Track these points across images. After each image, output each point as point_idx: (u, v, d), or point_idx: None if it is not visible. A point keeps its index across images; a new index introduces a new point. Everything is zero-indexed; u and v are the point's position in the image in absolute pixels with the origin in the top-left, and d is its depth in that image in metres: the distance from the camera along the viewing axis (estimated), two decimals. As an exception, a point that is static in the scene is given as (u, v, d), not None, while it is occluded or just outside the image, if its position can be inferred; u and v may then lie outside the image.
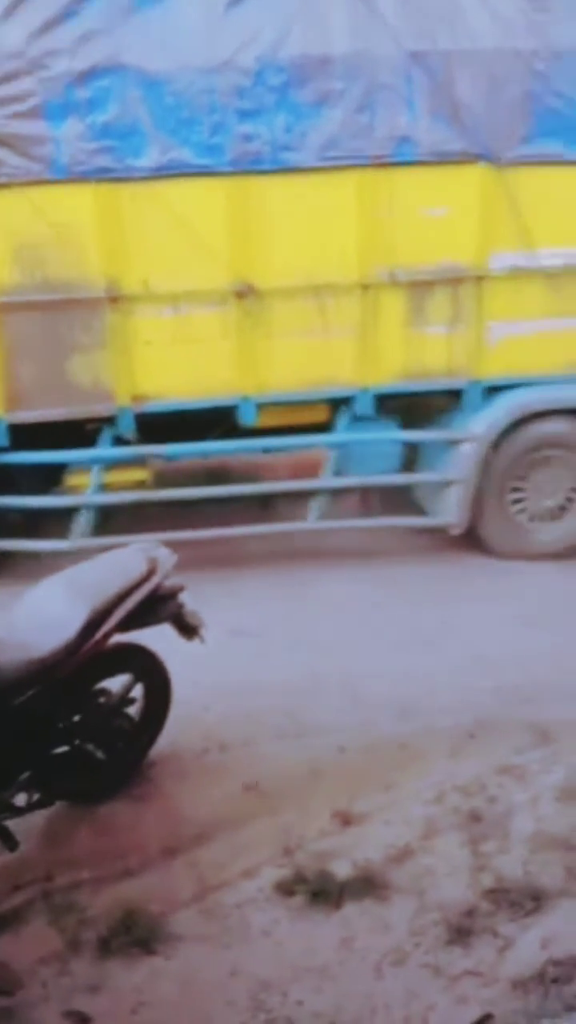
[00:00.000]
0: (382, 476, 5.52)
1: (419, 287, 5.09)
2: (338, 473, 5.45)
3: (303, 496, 5.49)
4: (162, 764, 3.71)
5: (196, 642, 3.55)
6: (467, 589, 5.31)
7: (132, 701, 3.59)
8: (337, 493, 5.58)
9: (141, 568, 3.36)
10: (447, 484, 5.45)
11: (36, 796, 3.28)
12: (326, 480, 5.43)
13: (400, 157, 4.84)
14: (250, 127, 4.72)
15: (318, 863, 3.13)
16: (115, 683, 3.53)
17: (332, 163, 4.81)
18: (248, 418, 5.22)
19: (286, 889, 3.05)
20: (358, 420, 5.35)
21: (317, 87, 4.71)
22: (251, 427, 5.25)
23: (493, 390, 5.35)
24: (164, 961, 2.83)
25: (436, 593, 5.24)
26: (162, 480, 5.44)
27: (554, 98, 4.87)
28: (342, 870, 3.10)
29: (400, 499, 5.83)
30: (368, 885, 3.03)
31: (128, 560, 3.43)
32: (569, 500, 5.61)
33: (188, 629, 3.53)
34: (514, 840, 3.21)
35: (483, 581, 5.41)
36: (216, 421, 5.31)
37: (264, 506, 5.65)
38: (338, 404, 5.36)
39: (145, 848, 3.29)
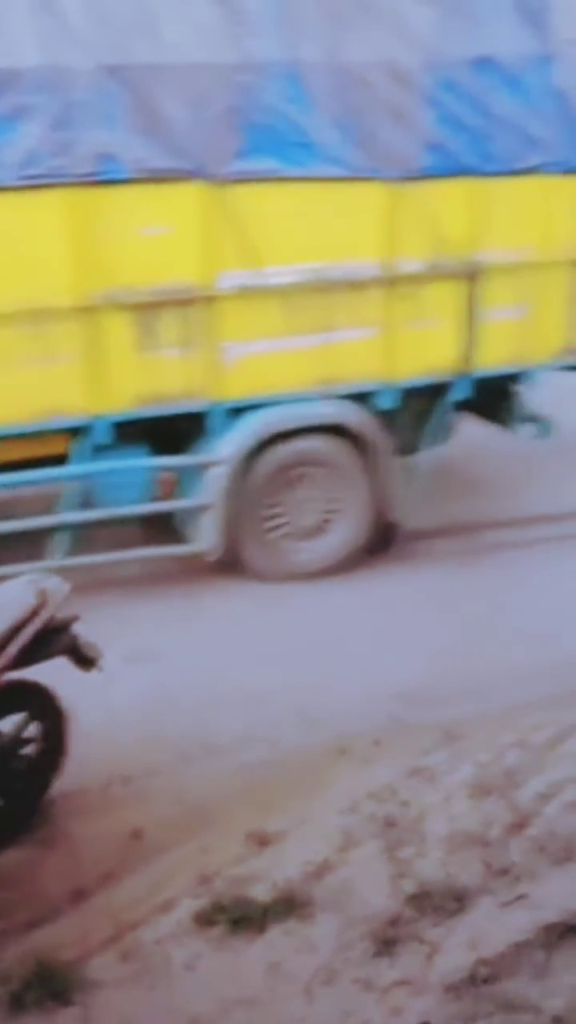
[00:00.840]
0: (129, 507, 5.18)
1: (146, 309, 4.83)
2: (86, 505, 5.13)
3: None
4: (64, 802, 3.56)
5: (94, 672, 3.42)
6: (347, 596, 5.30)
7: (27, 741, 3.42)
8: (87, 526, 5.24)
9: (30, 601, 3.22)
10: (201, 510, 5.26)
11: None
12: (63, 516, 5.08)
13: (107, 175, 4.58)
14: None
15: (237, 889, 3.04)
16: (7, 723, 3.36)
17: (33, 181, 4.49)
18: None
19: (206, 919, 2.94)
20: (101, 449, 5.02)
21: (9, 102, 4.39)
22: None
23: (240, 411, 5.16)
24: (83, 1010, 2.69)
25: (319, 604, 5.21)
26: None
27: (262, 113, 4.72)
28: (262, 893, 3.01)
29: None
30: (290, 905, 2.95)
31: (16, 593, 3.28)
32: (327, 518, 5.52)
33: (85, 661, 3.39)
34: (431, 842, 3.19)
35: (358, 586, 5.40)
36: None
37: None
38: (77, 434, 5.02)
39: (53, 893, 3.14)
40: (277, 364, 5.13)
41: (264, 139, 4.76)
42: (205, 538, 5.29)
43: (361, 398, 5.36)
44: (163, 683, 4.34)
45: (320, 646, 4.70)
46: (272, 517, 5.42)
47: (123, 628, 4.62)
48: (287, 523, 5.46)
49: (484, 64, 5.03)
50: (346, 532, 5.54)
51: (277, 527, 5.45)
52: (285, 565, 5.46)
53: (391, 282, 5.20)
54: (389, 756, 3.75)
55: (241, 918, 2.91)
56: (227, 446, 5.16)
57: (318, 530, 5.53)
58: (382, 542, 5.62)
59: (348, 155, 4.91)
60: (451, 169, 5.12)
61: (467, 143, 5.09)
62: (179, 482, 5.31)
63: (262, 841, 3.27)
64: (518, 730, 3.78)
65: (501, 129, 5.14)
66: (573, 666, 4.45)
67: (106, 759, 3.77)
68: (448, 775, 3.57)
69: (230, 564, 5.38)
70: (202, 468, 5.21)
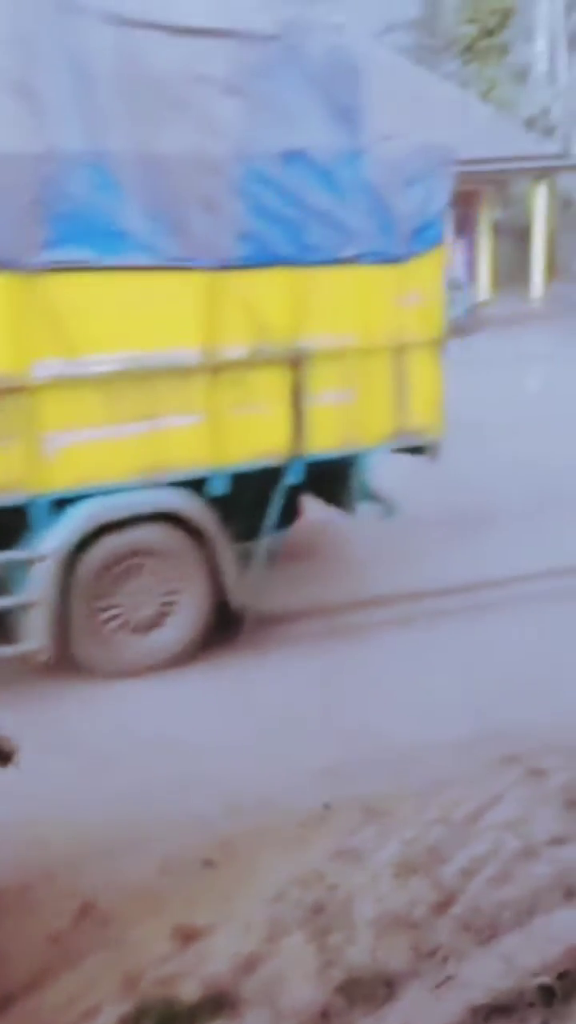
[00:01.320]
0: None
1: None
2: None
3: None
4: (-17, 905, 3.45)
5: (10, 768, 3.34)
6: (232, 683, 5.29)
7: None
8: None
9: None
10: (27, 607, 5.01)
11: None
12: None
13: None
14: None
15: (163, 989, 2.97)
16: None
17: None
18: None
19: (131, 1025, 2.87)
20: None
21: None
22: None
23: (67, 502, 4.99)
24: None
25: (219, 692, 5.20)
26: None
27: (70, 203, 4.70)
28: (189, 992, 2.94)
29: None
30: (218, 1004, 2.89)
31: None
32: (164, 608, 5.34)
33: (1, 756, 3.31)
34: (359, 927, 3.17)
35: (228, 674, 5.35)
36: None
37: None
38: None
39: (-25, 1003, 3.02)
40: (101, 453, 5.01)
41: (73, 229, 4.75)
42: (34, 637, 5.01)
43: (193, 484, 5.26)
44: (81, 775, 4.27)
45: (229, 732, 4.70)
46: (106, 611, 5.21)
47: (38, 718, 4.53)
48: (122, 616, 5.25)
49: (295, 157, 5.16)
50: (185, 622, 5.36)
51: (111, 621, 5.23)
52: (122, 660, 5.24)
53: (215, 369, 5.19)
54: (315, 838, 3.74)
55: (166, 1022, 2.84)
56: (52, 539, 4.95)
57: (155, 622, 5.33)
58: (230, 629, 5.47)
59: (161, 244, 4.94)
60: (267, 259, 5.20)
61: (281, 234, 5.19)
62: (6, 578, 5.11)
63: (189, 936, 3.21)
64: (441, 806, 3.81)
65: (315, 221, 5.25)
66: (474, 741, 4.55)
67: (25, 856, 3.67)
68: (374, 854, 3.58)
69: (65, 662, 5.15)
70: (27, 563, 5.00)
